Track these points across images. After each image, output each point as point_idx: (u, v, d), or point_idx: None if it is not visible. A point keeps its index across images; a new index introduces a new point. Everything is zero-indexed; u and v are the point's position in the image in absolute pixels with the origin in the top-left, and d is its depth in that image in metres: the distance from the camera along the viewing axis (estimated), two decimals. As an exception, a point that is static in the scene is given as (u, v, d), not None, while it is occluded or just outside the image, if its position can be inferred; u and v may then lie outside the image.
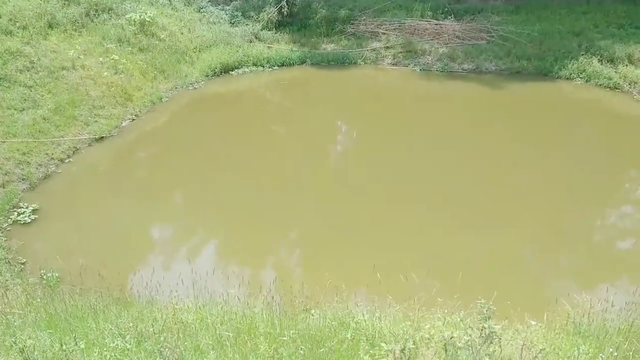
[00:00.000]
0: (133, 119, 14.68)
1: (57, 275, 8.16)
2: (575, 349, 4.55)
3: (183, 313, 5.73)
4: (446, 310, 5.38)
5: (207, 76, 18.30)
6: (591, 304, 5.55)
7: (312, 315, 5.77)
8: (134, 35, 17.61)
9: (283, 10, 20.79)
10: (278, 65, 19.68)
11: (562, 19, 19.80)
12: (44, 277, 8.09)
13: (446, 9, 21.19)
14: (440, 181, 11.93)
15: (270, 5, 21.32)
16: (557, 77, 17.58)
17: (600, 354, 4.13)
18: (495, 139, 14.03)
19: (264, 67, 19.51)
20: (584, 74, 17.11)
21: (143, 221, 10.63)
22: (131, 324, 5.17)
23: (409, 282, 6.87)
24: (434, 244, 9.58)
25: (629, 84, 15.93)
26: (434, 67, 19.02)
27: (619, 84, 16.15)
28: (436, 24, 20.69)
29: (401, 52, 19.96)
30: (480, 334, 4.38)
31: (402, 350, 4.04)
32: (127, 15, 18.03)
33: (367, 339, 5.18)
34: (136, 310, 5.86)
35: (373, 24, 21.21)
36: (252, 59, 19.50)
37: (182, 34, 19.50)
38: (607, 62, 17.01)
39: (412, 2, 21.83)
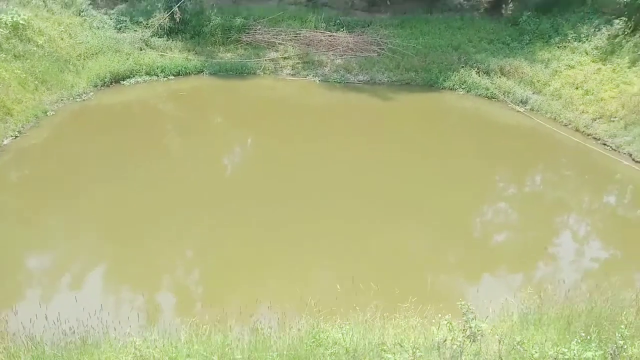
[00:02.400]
0: (16, 136, 13.04)
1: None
2: (544, 336, 5.06)
3: (146, 350, 5.21)
4: (428, 317, 5.60)
5: (96, 86, 16.94)
6: (541, 296, 6.18)
7: (282, 334, 5.64)
8: (7, 40, 15.67)
9: (175, 16, 19.96)
10: (173, 75, 18.90)
11: (442, 34, 21.61)
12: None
13: (338, 21, 21.99)
14: (339, 188, 12.17)
15: (160, 10, 20.37)
16: (442, 88, 19.16)
17: (575, 339, 4.64)
18: (387, 147, 14.72)
19: (158, 76, 18.60)
20: (465, 84, 18.87)
21: (50, 251, 9.48)
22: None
23: (358, 290, 7.02)
24: (348, 249, 9.75)
25: (504, 94, 17.93)
26: (332, 78, 19.65)
27: (495, 93, 18.09)
28: (330, 36, 21.37)
29: (299, 62, 20.31)
30: (464, 333, 4.65)
31: (411, 360, 4.15)
32: (-4, 17, 15.98)
33: (347, 352, 5.21)
34: (97, 355, 5.19)
35: (269, 33, 21.28)
36: (144, 67, 18.48)
37: (62, 39, 17.82)
38: (484, 74, 18.97)
39: (306, 13, 22.30)
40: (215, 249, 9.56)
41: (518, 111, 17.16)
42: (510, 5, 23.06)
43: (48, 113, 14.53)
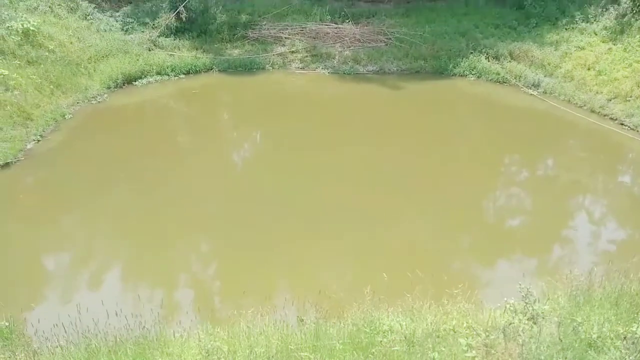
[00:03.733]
0: (38, 140, 13.10)
1: (6, 324, 7.01)
2: (601, 317, 5.16)
3: (210, 343, 5.32)
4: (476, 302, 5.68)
5: (109, 88, 16.96)
6: (592, 274, 6.24)
7: (340, 323, 5.75)
8: (19, 47, 15.67)
9: (181, 15, 19.96)
10: (184, 73, 18.91)
11: (447, 21, 21.61)
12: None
13: (343, 13, 21.98)
14: (358, 178, 12.20)
15: (165, 11, 20.38)
16: (453, 75, 19.15)
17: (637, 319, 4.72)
18: (403, 135, 14.73)
19: (169, 75, 18.61)
20: (475, 70, 18.87)
21: (91, 252, 9.58)
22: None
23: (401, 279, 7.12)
24: (378, 239, 9.79)
25: (515, 78, 17.95)
26: (341, 69, 19.63)
27: (506, 78, 18.11)
28: (336, 28, 21.37)
29: (307, 56, 20.30)
30: (525, 316, 4.74)
31: (486, 344, 4.24)
32: (6, 24, 15.98)
33: (406, 339, 5.31)
34: (163, 349, 5.29)
35: (275, 28, 21.28)
36: (155, 67, 18.50)
37: (71, 43, 17.82)
38: (493, 59, 18.97)
39: (310, 7, 22.29)
40: (248, 243, 9.63)
41: (531, 94, 17.18)
42: (514, -11, 22.97)
43: (66, 116, 14.59)
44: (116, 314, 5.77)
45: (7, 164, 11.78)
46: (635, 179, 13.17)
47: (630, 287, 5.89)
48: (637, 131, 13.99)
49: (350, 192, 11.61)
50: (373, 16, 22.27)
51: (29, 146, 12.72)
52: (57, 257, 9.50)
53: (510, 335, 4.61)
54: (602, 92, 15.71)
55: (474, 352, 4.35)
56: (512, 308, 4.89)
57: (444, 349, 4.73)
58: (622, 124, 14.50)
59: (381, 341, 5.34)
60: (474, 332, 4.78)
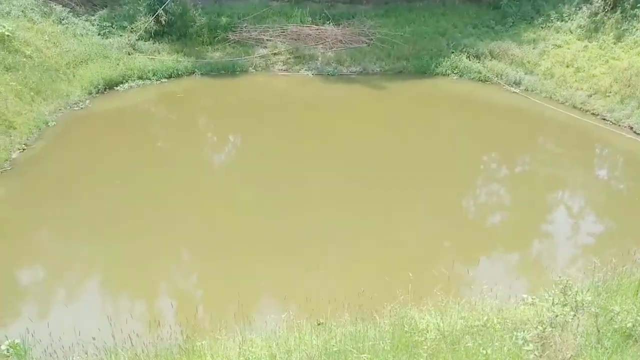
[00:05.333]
0: (23, 149, 12.62)
1: (17, 342, 6.68)
2: (632, 305, 5.32)
3: (249, 349, 5.21)
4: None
5: (91, 94, 16.50)
6: (613, 265, 6.39)
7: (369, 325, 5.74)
8: (-5, 53, 15.07)
9: (161, 18, 19.58)
10: (166, 77, 18.56)
11: (426, 21, 21.90)
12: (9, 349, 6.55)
13: (324, 14, 21.99)
14: (345, 179, 12.23)
15: (143, 14, 19.96)
16: (435, 74, 19.39)
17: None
18: (388, 135, 14.80)
19: (150, 79, 18.25)
20: (457, 69, 19.19)
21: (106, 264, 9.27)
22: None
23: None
24: (376, 240, 9.82)
25: (497, 76, 18.34)
26: (325, 71, 19.64)
27: (488, 76, 18.48)
28: (317, 29, 21.37)
29: (290, 57, 20.23)
30: (569, 308, 4.84)
31: (540, 336, 4.30)
32: (-20, 29, 15.35)
33: (444, 337, 5.34)
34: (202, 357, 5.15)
35: (256, 30, 21.12)
36: (136, 72, 18.10)
37: (48, 49, 17.24)
38: (474, 58, 19.33)
39: (290, 9, 22.21)
40: (255, 251, 9.48)
41: (513, 92, 17.58)
42: (488, -11, 23.48)
43: (49, 124, 14.11)
44: (160, 324, 5.56)
45: (-7, 174, 11.29)
46: (629, 172, 13.53)
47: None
48: (619, 125, 14.48)
49: (343, 192, 11.58)
50: (353, 17, 22.35)
51: (14, 155, 12.23)
52: (57, 271, 9.14)
53: (561, 327, 4.71)
54: (582, 89, 16.20)
55: (530, 345, 4.42)
56: (557, 300, 4.98)
57: (496, 344, 4.78)
58: (604, 119, 14.98)
59: (422, 340, 5.35)
60: (531, 326, 4.86)
